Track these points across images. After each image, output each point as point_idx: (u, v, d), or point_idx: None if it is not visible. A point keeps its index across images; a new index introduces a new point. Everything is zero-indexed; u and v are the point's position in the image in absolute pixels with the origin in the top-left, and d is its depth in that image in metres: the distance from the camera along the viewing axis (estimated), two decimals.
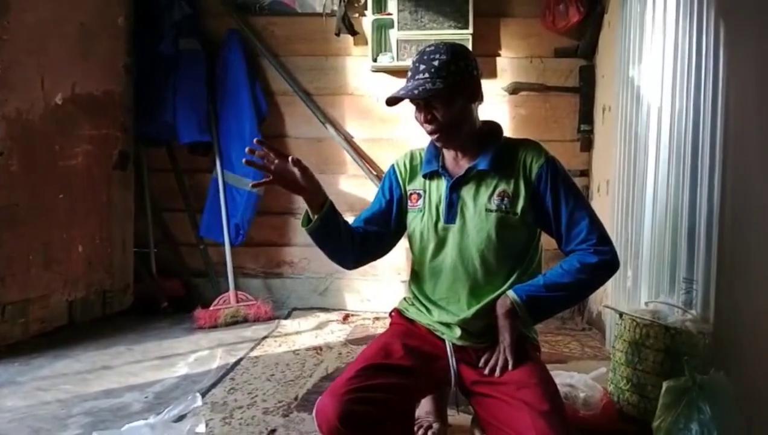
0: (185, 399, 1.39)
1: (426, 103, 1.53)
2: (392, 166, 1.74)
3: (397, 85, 3.45)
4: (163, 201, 3.62)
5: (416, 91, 1.50)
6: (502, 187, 1.58)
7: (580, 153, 3.34)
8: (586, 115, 3.31)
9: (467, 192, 1.60)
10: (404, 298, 1.75)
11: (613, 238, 1.65)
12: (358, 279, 3.53)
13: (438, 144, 1.62)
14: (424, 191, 1.66)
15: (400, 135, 3.41)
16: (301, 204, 3.54)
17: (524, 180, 1.58)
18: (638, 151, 2.48)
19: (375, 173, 3.47)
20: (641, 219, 2.43)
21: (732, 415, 1.55)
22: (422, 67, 1.52)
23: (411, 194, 1.68)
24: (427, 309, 1.65)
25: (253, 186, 1.53)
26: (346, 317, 3.35)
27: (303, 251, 3.60)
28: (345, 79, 3.54)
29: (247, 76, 3.39)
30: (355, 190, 3.53)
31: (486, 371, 1.54)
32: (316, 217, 1.55)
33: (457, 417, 1.81)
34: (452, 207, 1.60)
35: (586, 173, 3.35)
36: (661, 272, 2.22)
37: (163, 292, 3.42)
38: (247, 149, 1.48)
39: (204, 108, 3.38)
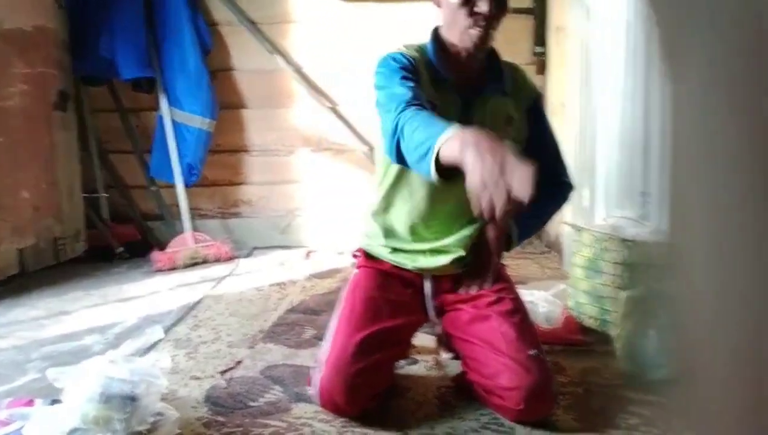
0: (145, 332, 1.36)
1: None
2: (398, 53, 1.43)
3: (353, 11, 3.35)
4: (108, 143, 3.47)
5: None
6: (510, 112, 1.52)
7: (536, 76, 3.29)
8: (541, 37, 3.27)
9: (477, 113, 1.47)
10: (367, 235, 1.64)
11: (570, 161, 1.70)
12: (320, 215, 3.49)
13: (476, 43, 1.42)
14: (436, 102, 1.42)
15: (355, 65, 3.31)
16: (256, 141, 3.48)
17: (524, 107, 1.55)
18: (592, 70, 2.48)
19: (329, 105, 3.39)
20: (596, 139, 2.45)
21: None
22: None
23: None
24: (400, 248, 1.58)
25: None
26: (308, 254, 3.33)
27: (261, 190, 3.53)
28: (294, 4, 3.38)
29: (188, 4, 3.19)
30: (307, 123, 3.45)
31: (462, 290, 1.55)
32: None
33: (423, 338, 1.83)
34: None
35: None
36: (617, 189, 2.26)
37: (117, 238, 3.32)
38: None
39: (143, 41, 3.18)
